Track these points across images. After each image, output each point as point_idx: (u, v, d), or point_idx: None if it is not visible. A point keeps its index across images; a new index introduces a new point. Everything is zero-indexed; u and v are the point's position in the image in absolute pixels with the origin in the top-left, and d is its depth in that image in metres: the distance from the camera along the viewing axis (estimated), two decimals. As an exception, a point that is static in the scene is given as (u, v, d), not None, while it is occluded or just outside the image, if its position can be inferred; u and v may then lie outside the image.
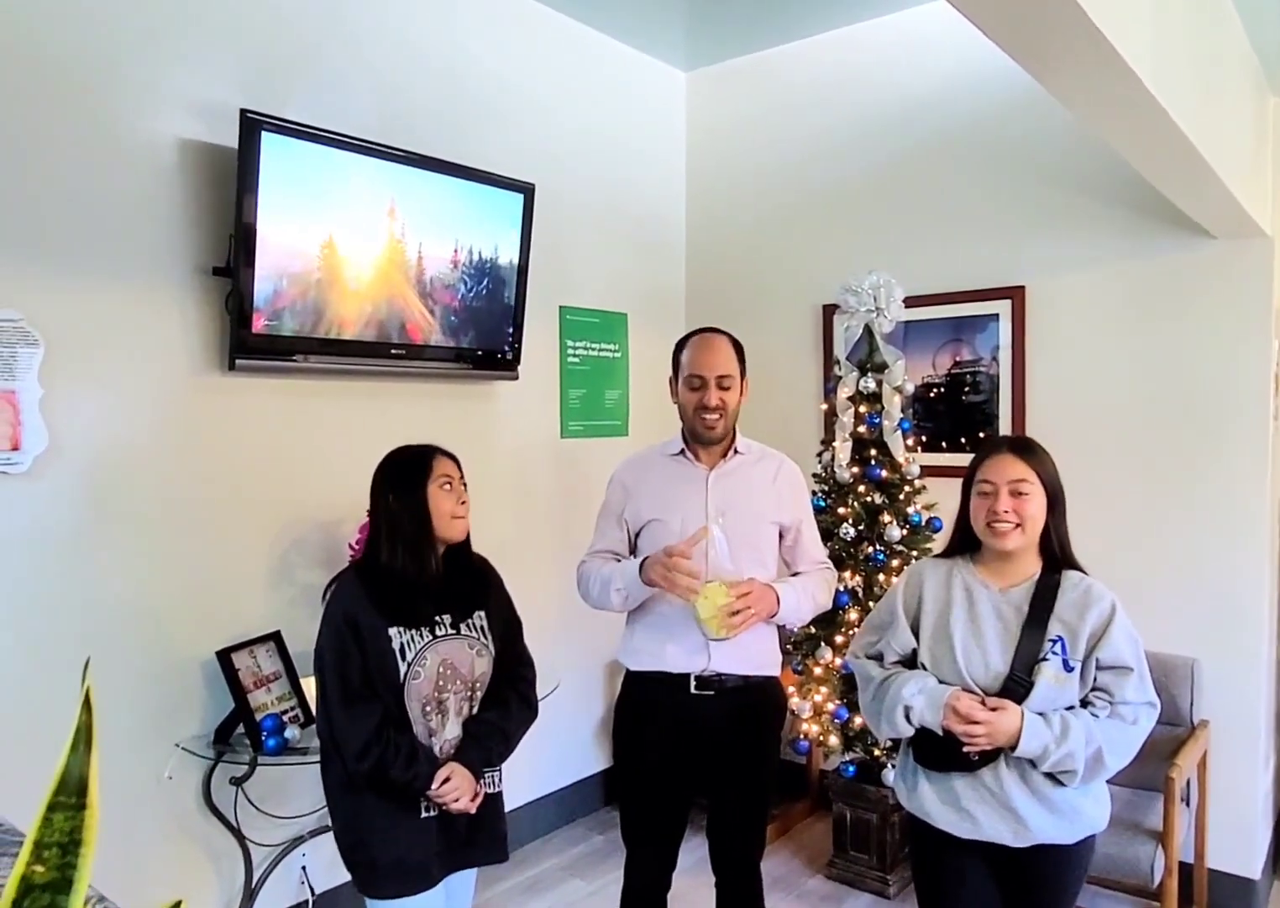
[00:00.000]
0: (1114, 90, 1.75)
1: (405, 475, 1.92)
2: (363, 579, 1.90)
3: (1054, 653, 1.72)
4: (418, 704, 1.88)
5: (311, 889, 2.70)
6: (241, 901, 2.52)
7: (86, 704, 0.52)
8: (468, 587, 2.00)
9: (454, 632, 1.93)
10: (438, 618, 1.92)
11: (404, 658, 1.86)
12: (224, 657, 2.43)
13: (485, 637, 1.98)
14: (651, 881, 2.27)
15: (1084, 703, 1.73)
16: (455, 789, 1.85)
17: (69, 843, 0.52)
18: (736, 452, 2.24)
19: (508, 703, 2.00)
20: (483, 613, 2.00)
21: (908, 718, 1.78)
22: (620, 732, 2.30)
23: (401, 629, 1.87)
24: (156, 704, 2.43)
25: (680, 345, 2.25)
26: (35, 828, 0.51)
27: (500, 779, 2.03)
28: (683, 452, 2.24)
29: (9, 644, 2.18)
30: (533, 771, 3.49)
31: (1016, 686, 1.73)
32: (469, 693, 1.95)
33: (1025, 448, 1.81)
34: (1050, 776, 1.71)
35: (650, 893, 2.28)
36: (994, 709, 1.70)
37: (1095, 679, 1.73)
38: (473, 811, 1.89)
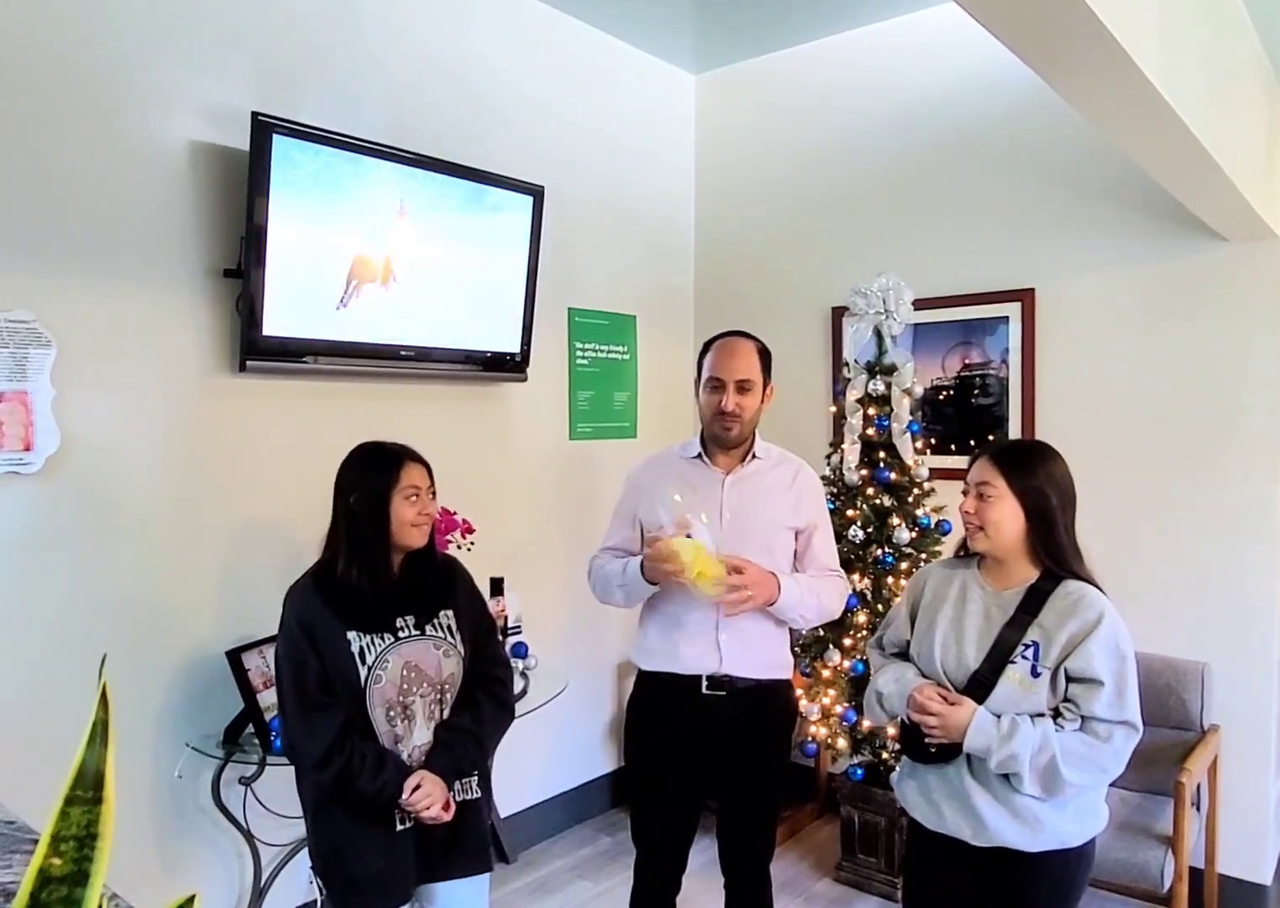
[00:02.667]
0: (1123, 92, 1.75)
1: (371, 480, 1.85)
2: (319, 584, 1.85)
3: (1023, 657, 1.71)
4: (381, 710, 1.82)
5: (320, 889, 2.70)
6: (250, 899, 2.53)
7: (103, 699, 0.53)
8: (432, 586, 1.94)
9: (418, 633, 1.87)
10: (399, 620, 1.86)
11: (364, 662, 1.79)
12: (233, 657, 2.44)
13: (453, 637, 1.91)
14: (661, 882, 2.27)
15: (1057, 713, 1.71)
16: (426, 797, 1.78)
17: (86, 837, 0.52)
18: (755, 456, 2.23)
19: (480, 706, 1.93)
20: (450, 612, 1.93)
21: (881, 705, 1.86)
22: (631, 732, 2.30)
23: (360, 633, 1.81)
24: (166, 704, 2.44)
25: (705, 348, 2.24)
26: (53, 822, 0.52)
27: (477, 786, 1.95)
28: (700, 455, 2.23)
29: (20, 643, 2.19)
30: (541, 772, 3.49)
31: (980, 684, 1.73)
32: (438, 696, 1.88)
33: (1007, 454, 1.80)
34: (1009, 779, 1.70)
35: (659, 895, 2.28)
36: (952, 704, 1.71)
37: (1066, 690, 1.70)
38: (446, 819, 1.82)
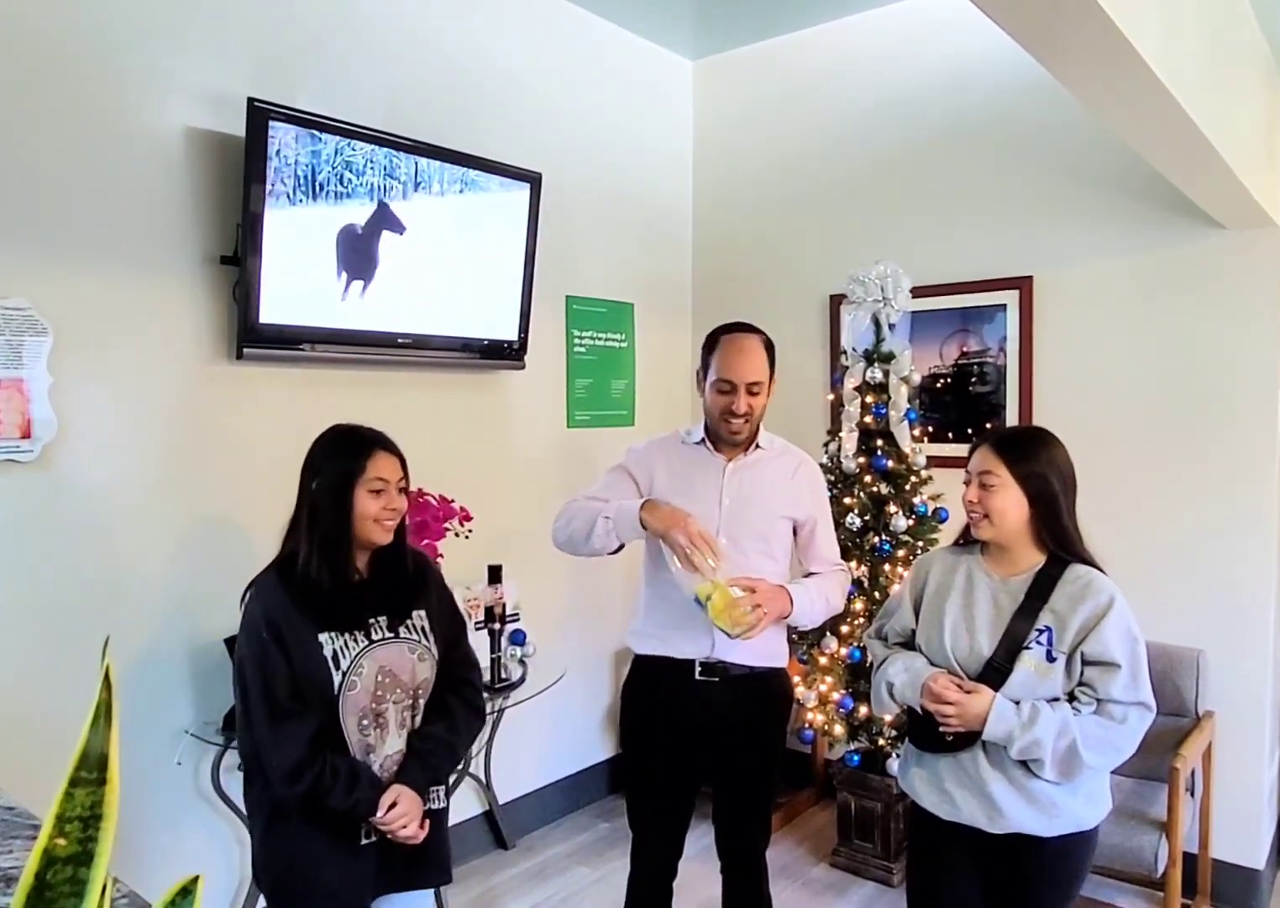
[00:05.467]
0: (1123, 78, 1.74)
1: (335, 466, 1.73)
2: (285, 580, 1.70)
3: (1038, 643, 1.72)
4: (354, 718, 1.69)
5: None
6: (250, 885, 2.54)
7: (107, 681, 0.53)
8: (403, 584, 1.81)
9: (392, 635, 1.75)
10: (372, 620, 1.74)
11: (338, 667, 1.67)
12: (232, 644, 2.44)
13: (427, 638, 1.81)
14: (657, 868, 2.28)
15: (1071, 697, 1.72)
16: (403, 816, 1.67)
17: (90, 817, 0.52)
18: (758, 446, 2.22)
19: (454, 713, 1.83)
20: (422, 612, 1.82)
21: (891, 695, 1.86)
22: (626, 716, 2.30)
23: (333, 635, 1.68)
24: (165, 691, 2.44)
25: (712, 343, 2.17)
26: (57, 803, 0.52)
27: (444, 795, 1.86)
28: (703, 441, 2.23)
29: (17, 631, 2.19)
30: (539, 758, 3.51)
31: (995, 671, 1.74)
32: (410, 702, 1.77)
33: (1007, 442, 1.80)
34: (1026, 765, 1.71)
35: (656, 880, 2.29)
36: (968, 692, 1.72)
37: (1081, 674, 1.72)
38: (420, 838, 1.71)
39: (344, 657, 1.68)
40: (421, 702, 1.80)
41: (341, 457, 1.74)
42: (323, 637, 1.68)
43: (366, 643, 1.72)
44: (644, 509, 2.02)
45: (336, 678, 1.67)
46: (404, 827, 1.69)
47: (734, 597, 1.93)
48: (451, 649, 1.87)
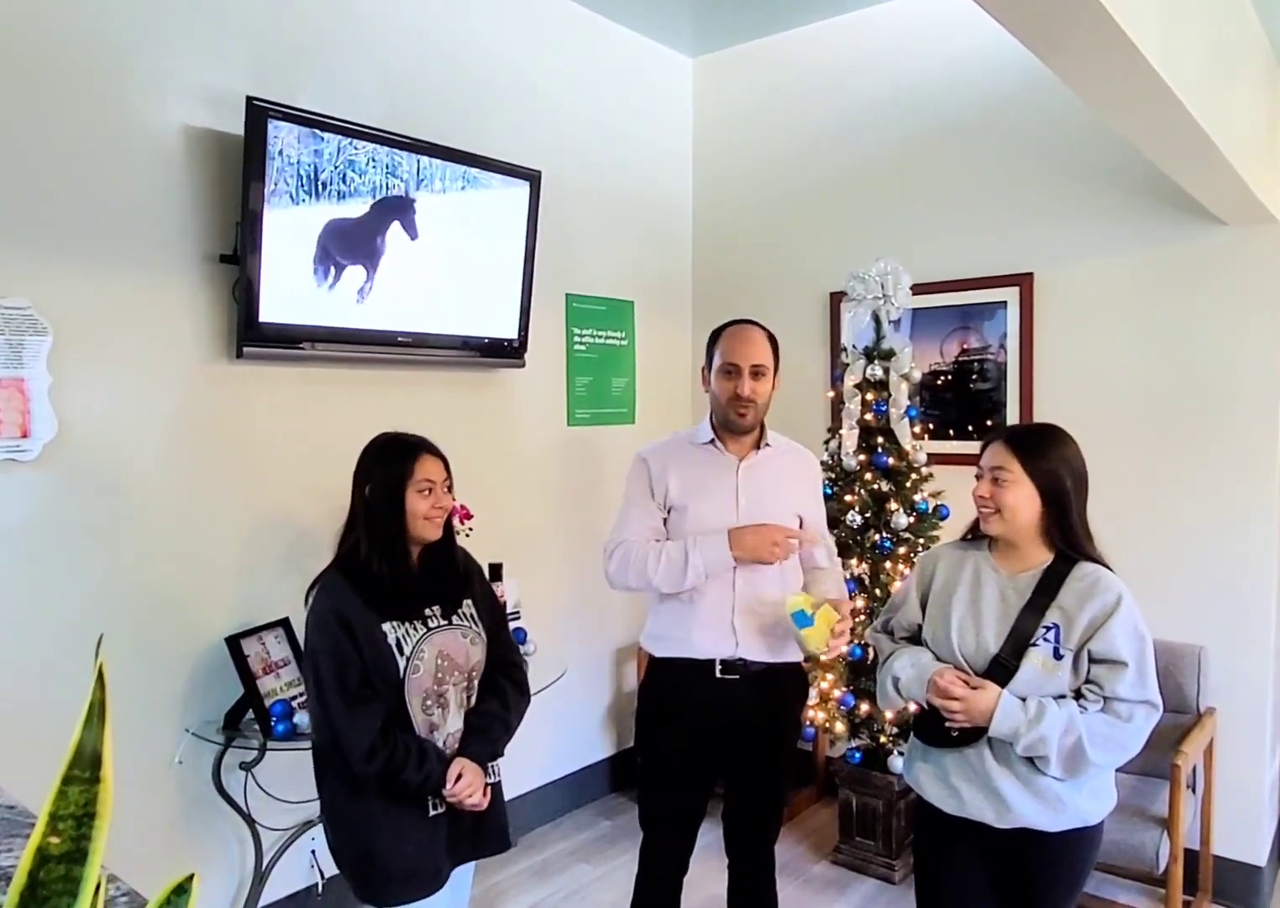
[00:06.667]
0: (1123, 74, 1.74)
1: (385, 472, 1.87)
2: (348, 576, 1.85)
3: (1045, 639, 1.72)
4: (418, 699, 1.84)
5: (321, 873, 2.73)
6: (252, 884, 2.54)
7: (100, 680, 0.53)
8: (452, 576, 1.97)
9: (446, 622, 1.90)
10: (428, 610, 1.89)
11: (401, 652, 1.81)
12: (233, 643, 2.45)
13: (476, 624, 1.96)
14: (670, 865, 2.28)
15: (1078, 694, 1.73)
16: (469, 786, 1.82)
17: (84, 816, 0.52)
18: (767, 444, 2.25)
19: (504, 691, 1.98)
20: (469, 601, 1.98)
21: (897, 690, 1.86)
22: (644, 718, 2.30)
23: (395, 624, 1.83)
24: (166, 690, 2.45)
25: (716, 336, 2.23)
26: (50, 801, 0.52)
27: (499, 769, 2.00)
28: (712, 441, 2.24)
29: (18, 631, 2.19)
30: (540, 756, 3.51)
31: (1002, 667, 1.74)
32: (466, 683, 1.92)
33: (1021, 438, 1.81)
34: (1032, 761, 1.71)
35: (668, 878, 2.29)
36: (975, 688, 1.72)
37: (1088, 671, 1.72)
38: (484, 806, 1.86)
39: (406, 643, 1.83)
40: (476, 682, 1.96)
41: (391, 462, 1.88)
42: (386, 626, 1.82)
43: (425, 630, 1.86)
44: (732, 547, 2.09)
45: (401, 663, 1.82)
46: (470, 796, 1.83)
47: (836, 619, 2.05)
48: (495, 635, 2.02)
